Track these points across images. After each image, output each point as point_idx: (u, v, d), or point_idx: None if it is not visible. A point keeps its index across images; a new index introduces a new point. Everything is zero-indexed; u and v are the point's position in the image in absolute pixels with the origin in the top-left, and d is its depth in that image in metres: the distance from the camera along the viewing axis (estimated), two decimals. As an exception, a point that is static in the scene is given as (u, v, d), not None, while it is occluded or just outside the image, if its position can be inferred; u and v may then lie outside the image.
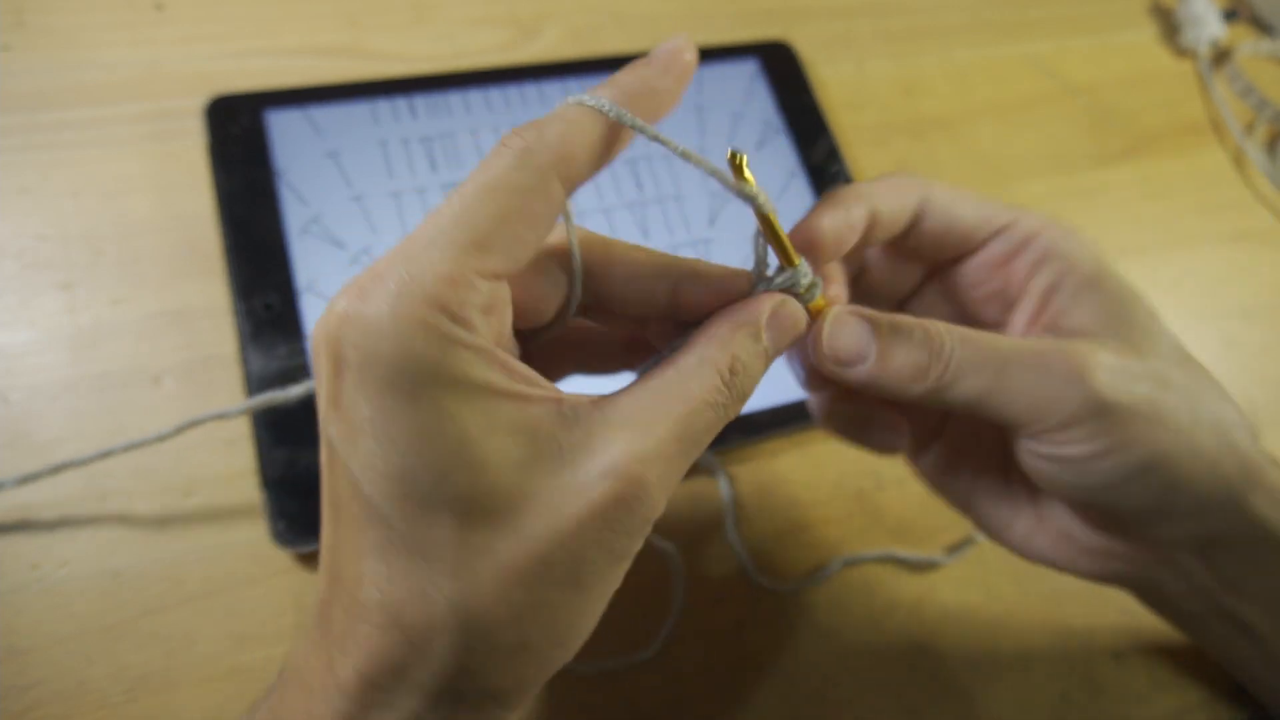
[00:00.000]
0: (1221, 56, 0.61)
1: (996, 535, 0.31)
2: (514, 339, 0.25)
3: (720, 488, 0.39)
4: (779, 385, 0.41)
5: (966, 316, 0.32)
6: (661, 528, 0.38)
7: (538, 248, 0.22)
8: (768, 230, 0.24)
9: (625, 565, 0.22)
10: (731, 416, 0.23)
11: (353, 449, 0.20)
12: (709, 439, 0.23)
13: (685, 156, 0.23)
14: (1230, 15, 0.60)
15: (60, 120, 0.40)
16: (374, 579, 0.20)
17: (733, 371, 0.23)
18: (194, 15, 0.44)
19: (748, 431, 0.40)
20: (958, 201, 0.29)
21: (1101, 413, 0.25)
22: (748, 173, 0.23)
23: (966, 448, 0.32)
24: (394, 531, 0.20)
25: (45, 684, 0.31)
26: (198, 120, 0.41)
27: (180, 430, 0.33)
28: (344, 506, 0.21)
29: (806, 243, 0.26)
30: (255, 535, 0.34)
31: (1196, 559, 0.29)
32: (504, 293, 0.22)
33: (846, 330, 0.26)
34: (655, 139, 0.23)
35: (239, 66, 0.43)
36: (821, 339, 0.26)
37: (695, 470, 0.39)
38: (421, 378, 0.19)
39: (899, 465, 0.42)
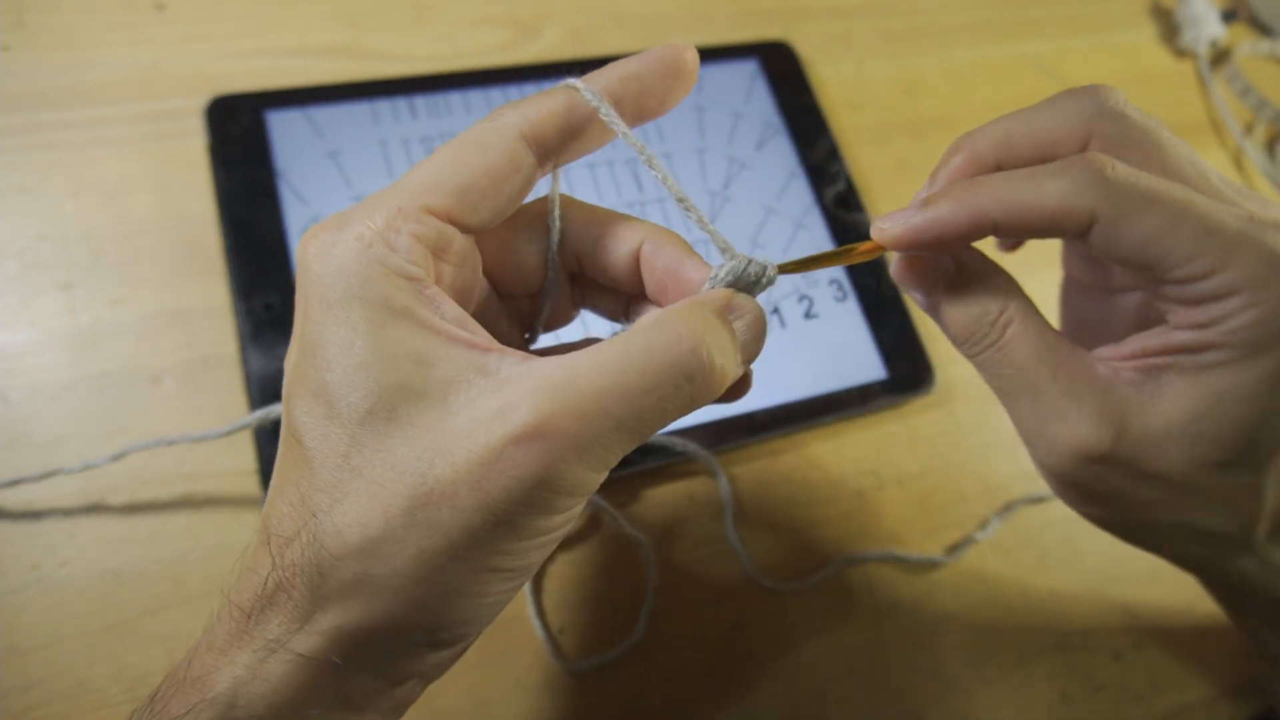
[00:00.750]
0: (1221, 57, 0.61)
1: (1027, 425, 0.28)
2: (499, 309, 0.26)
3: (720, 487, 0.39)
4: (779, 386, 0.41)
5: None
6: (661, 525, 0.38)
7: (501, 202, 0.22)
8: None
9: (520, 539, 0.20)
10: (699, 399, 0.21)
11: (290, 367, 0.21)
12: (660, 415, 0.21)
13: (648, 163, 0.24)
14: (1229, 16, 0.60)
15: (60, 120, 0.40)
16: (273, 491, 0.21)
17: (701, 343, 0.21)
18: (194, 15, 0.44)
19: (748, 431, 0.40)
20: (1139, 231, 0.23)
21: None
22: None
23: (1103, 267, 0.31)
24: (298, 441, 0.21)
25: (45, 684, 0.31)
26: (198, 120, 0.41)
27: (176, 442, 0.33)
28: (283, 434, 0.22)
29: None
30: (255, 535, 0.34)
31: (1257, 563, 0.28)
32: (467, 245, 0.23)
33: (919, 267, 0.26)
34: (625, 136, 0.23)
35: (239, 66, 0.43)
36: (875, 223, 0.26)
37: (695, 470, 0.39)
38: (349, 294, 0.20)
39: (899, 465, 0.42)
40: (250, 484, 0.35)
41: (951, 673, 0.38)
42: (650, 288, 0.25)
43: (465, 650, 0.24)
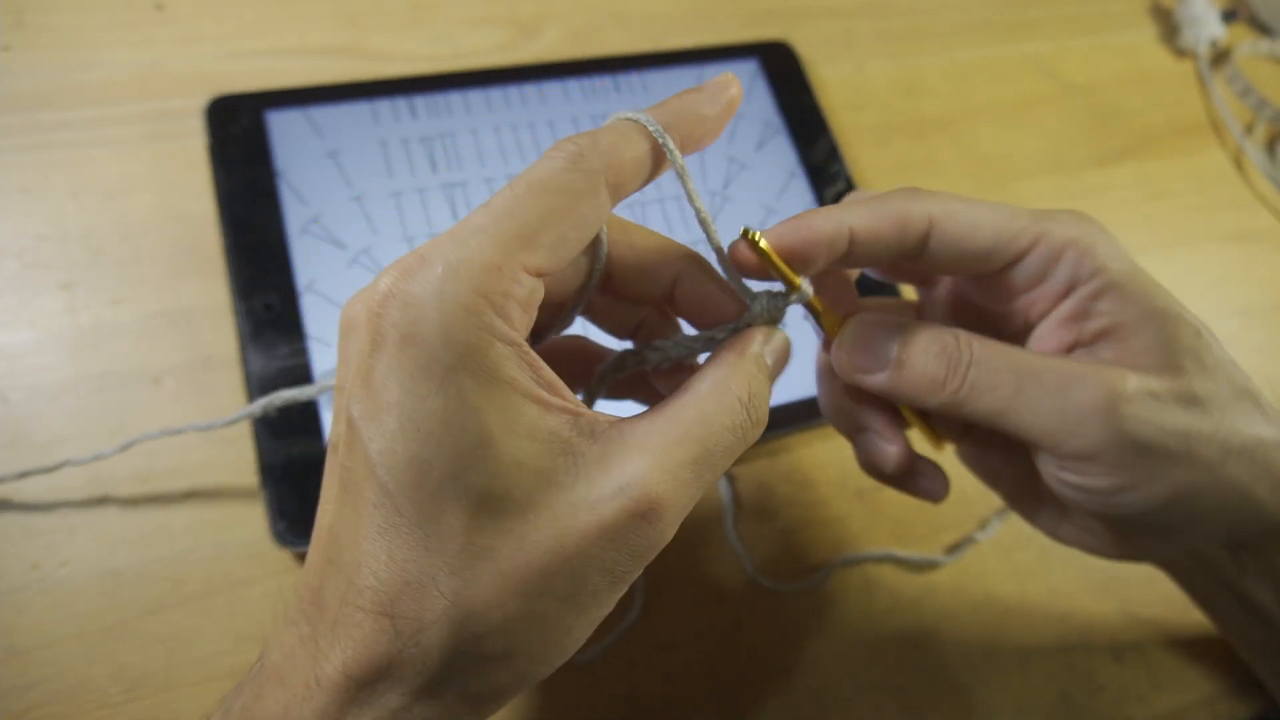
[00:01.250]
0: (1221, 57, 0.61)
1: (1026, 517, 0.31)
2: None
3: (720, 487, 0.39)
4: (779, 385, 0.41)
5: (989, 320, 0.30)
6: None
7: (579, 250, 0.23)
8: (767, 262, 0.25)
9: (622, 589, 0.22)
10: (750, 442, 0.23)
11: (375, 429, 0.20)
12: (726, 464, 0.23)
13: (698, 214, 0.25)
14: (1229, 15, 0.60)
15: (60, 120, 0.40)
16: (374, 564, 0.20)
17: (750, 395, 0.23)
18: (194, 15, 0.44)
19: (748, 431, 0.40)
20: (973, 226, 0.26)
21: (1125, 449, 0.24)
22: (761, 242, 0.25)
23: (992, 443, 0.32)
24: (402, 518, 0.20)
25: (45, 684, 0.31)
26: (198, 120, 0.41)
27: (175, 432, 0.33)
28: (355, 488, 0.21)
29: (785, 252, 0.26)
30: (255, 535, 0.34)
31: (1224, 553, 0.29)
32: (540, 292, 0.22)
33: (864, 339, 0.26)
34: (680, 171, 0.24)
35: (239, 66, 0.43)
36: (843, 350, 0.26)
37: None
38: (456, 364, 0.20)
39: (899, 465, 0.42)
40: (250, 484, 0.35)
41: (951, 673, 0.38)
42: (685, 309, 0.27)
43: None
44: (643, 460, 0.21)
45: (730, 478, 0.40)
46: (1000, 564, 0.41)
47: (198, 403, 0.36)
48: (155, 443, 0.34)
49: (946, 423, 0.32)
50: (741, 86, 0.25)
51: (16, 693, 0.30)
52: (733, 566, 0.38)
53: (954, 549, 0.41)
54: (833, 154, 0.48)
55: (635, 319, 0.28)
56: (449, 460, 0.20)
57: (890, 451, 0.29)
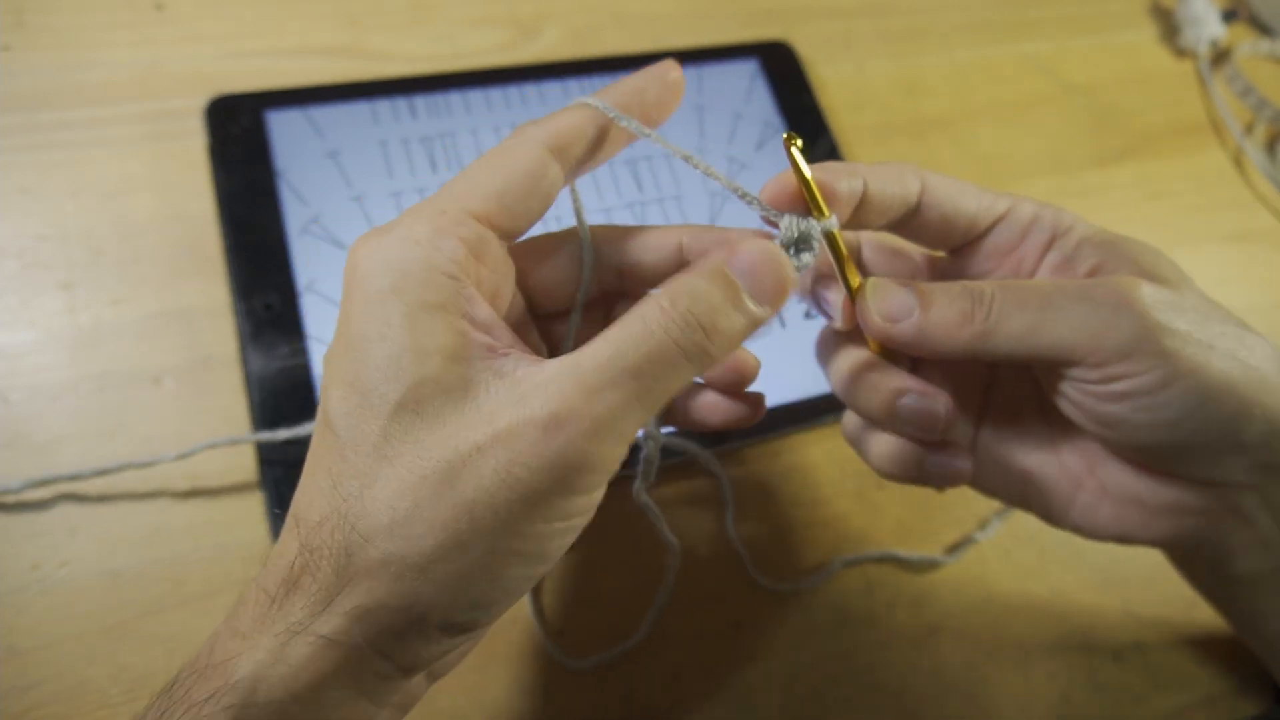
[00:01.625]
0: (1221, 57, 0.61)
1: (1059, 517, 0.30)
2: (529, 323, 0.27)
3: (722, 487, 0.39)
4: (779, 386, 0.41)
5: None
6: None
7: (532, 205, 0.24)
8: (799, 176, 0.25)
9: (543, 520, 0.21)
10: (697, 358, 0.22)
11: (329, 361, 0.22)
12: (661, 372, 0.21)
13: (689, 160, 0.25)
14: (1230, 15, 0.60)
15: (60, 120, 0.40)
16: (306, 483, 0.22)
17: (690, 299, 0.21)
18: (194, 15, 0.44)
19: (748, 432, 0.40)
20: (959, 191, 0.28)
21: (1158, 337, 0.24)
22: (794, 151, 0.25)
23: (1014, 425, 0.31)
24: (331, 430, 0.21)
25: (45, 684, 0.31)
26: (198, 120, 0.41)
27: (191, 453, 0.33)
28: (317, 423, 0.22)
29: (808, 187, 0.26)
30: (255, 535, 0.34)
31: (1259, 501, 0.28)
32: (502, 252, 0.24)
33: (889, 289, 0.26)
34: (645, 135, 0.25)
35: (239, 66, 0.43)
36: (867, 300, 0.26)
37: (695, 470, 0.39)
38: (389, 289, 0.22)
39: (899, 465, 0.42)
40: (250, 484, 0.35)
41: (951, 673, 0.38)
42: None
43: (472, 646, 0.24)
44: (550, 376, 0.21)
45: (731, 478, 0.40)
46: (1000, 564, 0.41)
47: (198, 403, 0.36)
48: (155, 443, 0.34)
49: (966, 399, 0.31)
50: (679, 68, 0.26)
51: (16, 693, 0.30)
52: (733, 566, 0.38)
53: (954, 549, 0.41)
54: (833, 154, 0.48)
55: None
56: (372, 373, 0.21)
57: (939, 413, 0.27)
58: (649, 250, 0.27)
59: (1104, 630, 0.40)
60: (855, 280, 0.27)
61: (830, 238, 0.25)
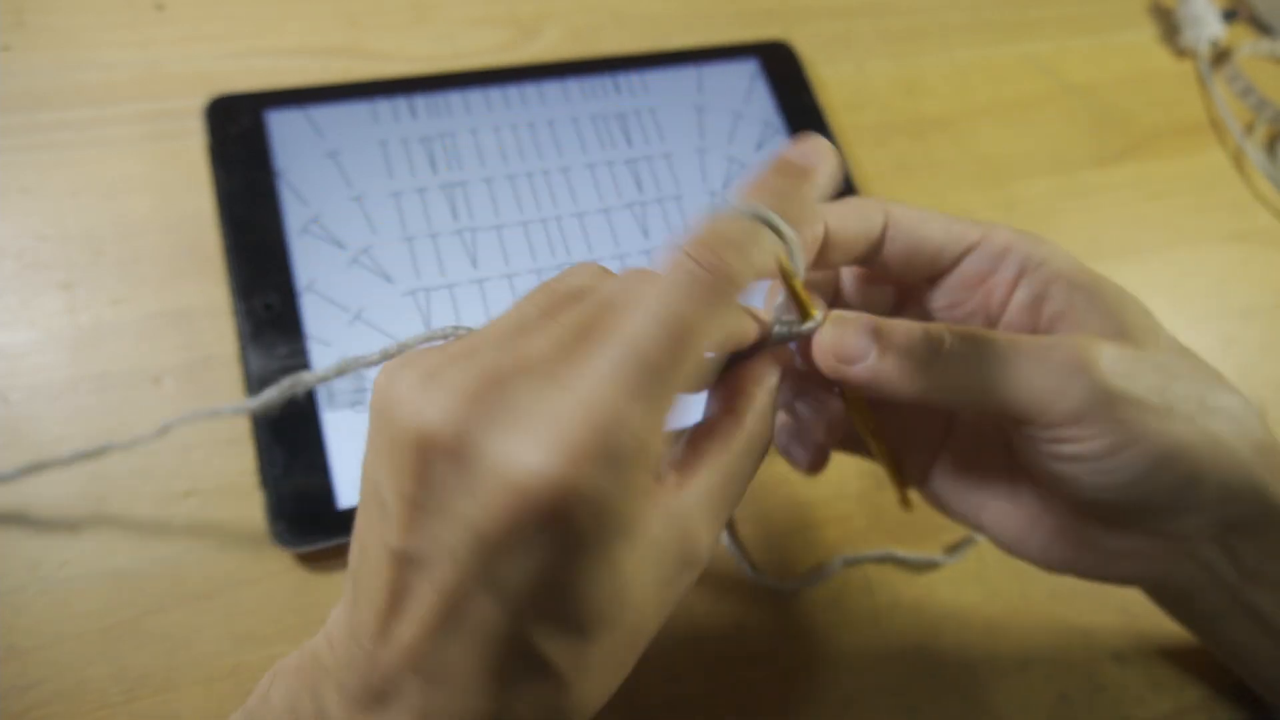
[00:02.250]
0: (1221, 56, 0.61)
1: (1014, 548, 0.30)
2: None
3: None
4: (779, 385, 0.41)
5: None
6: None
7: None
8: (790, 290, 0.26)
9: (667, 611, 0.23)
10: (761, 457, 0.24)
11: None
12: (746, 483, 0.24)
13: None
14: (1230, 15, 0.60)
15: (60, 120, 0.40)
16: None
17: (763, 434, 0.24)
18: (194, 15, 0.44)
19: (748, 431, 0.40)
20: (923, 221, 0.28)
21: (1111, 403, 0.24)
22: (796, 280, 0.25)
23: (972, 458, 0.31)
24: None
25: (45, 684, 0.31)
26: (198, 120, 0.41)
27: (170, 428, 0.33)
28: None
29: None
30: (255, 535, 0.34)
31: (1219, 550, 0.28)
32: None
33: (848, 329, 0.26)
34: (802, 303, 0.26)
35: (239, 66, 0.43)
36: (825, 339, 0.26)
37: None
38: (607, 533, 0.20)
39: (899, 465, 0.42)
40: (249, 484, 0.35)
41: (951, 673, 0.38)
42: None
43: None
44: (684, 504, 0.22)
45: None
46: (1000, 564, 0.41)
47: (198, 403, 0.36)
48: (155, 442, 0.34)
49: (923, 433, 0.31)
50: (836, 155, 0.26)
51: (16, 693, 0.30)
52: (733, 566, 0.38)
53: (954, 549, 0.41)
54: (833, 154, 0.48)
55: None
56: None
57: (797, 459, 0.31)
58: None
59: (1103, 631, 0.40)
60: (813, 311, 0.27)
61: (791, 286, 0.26)
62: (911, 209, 0.28)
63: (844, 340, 0.26)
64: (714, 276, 0.20)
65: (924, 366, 0.25)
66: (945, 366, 0.25)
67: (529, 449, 0.18)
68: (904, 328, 0.26)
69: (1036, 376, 0.25)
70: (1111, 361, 0.25)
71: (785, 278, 0.25)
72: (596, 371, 0.19)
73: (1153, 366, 0.25)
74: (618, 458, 0.18)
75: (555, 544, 0.18)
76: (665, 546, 0.21)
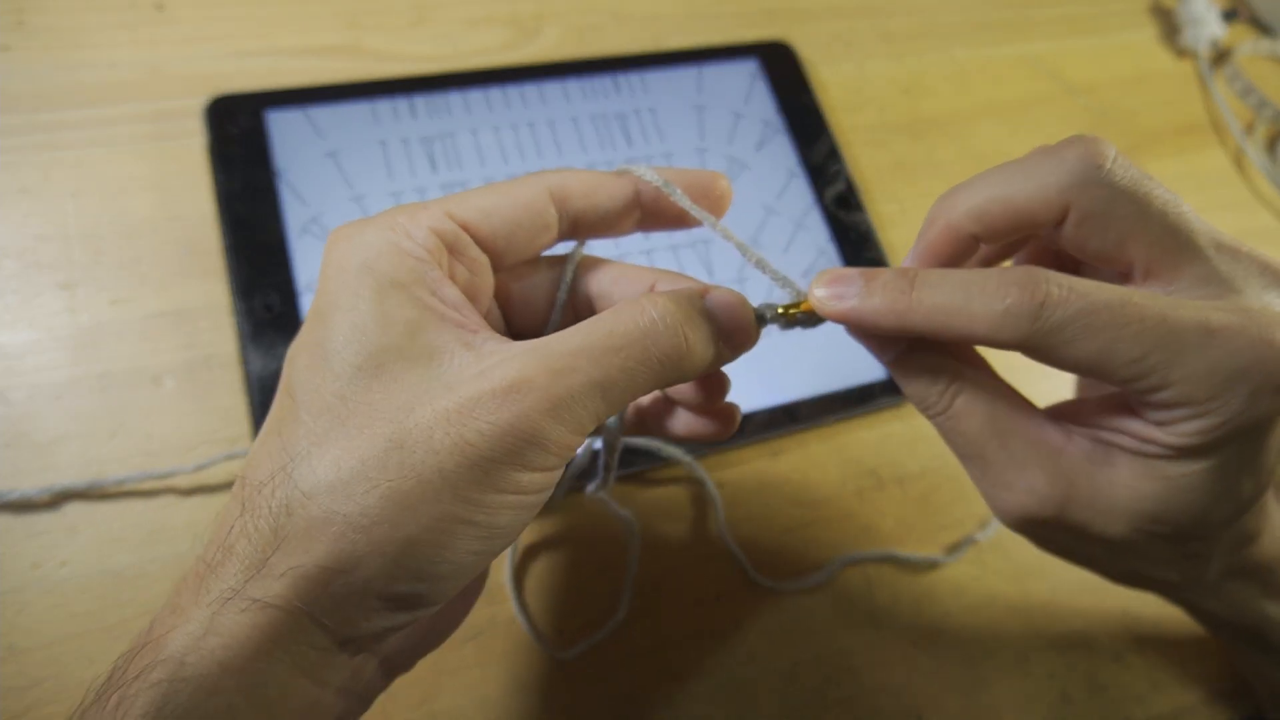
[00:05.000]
0: (1221, 56, 0.61)
1: (988, 494, 0.27)
2: (503, 329, 0.28)
3: (708, 491, 0.39)
4: (779, 386, 0.41)
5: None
6: (661, 525, 0.38)
7: (520, 238, 0.25)
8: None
9: (494, 490, 0.20)
10: (668, 360, 0.22)
11: (297, 338, 0.23)
12: (628, 370, 0.22)
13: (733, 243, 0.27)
14: (1230, 15, 0.60)
15: (60, 120, 0.40)
16: (254, 446, 0.22)
17: (669, 313, 0.22)
18: (194, 15, 0.44)
19: (749, 433, 0.40)
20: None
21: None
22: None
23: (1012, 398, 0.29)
24: (291, 399, 0.22)
25: (45, 684, 0.31)
26: (198, 120, 0.41)
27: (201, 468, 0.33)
28: (279, 392, 0.23)
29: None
30: (255, 535, 0.34)
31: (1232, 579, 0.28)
32: (483, 258, 0.25)
33: (841, 275, 0.25)
34: (674, 195, 0.26)
35: (239, 66, 0.43)
36: (824, 284, 0.25)
37: (688, 474, 0.39)
38: (361, 267, 0.22)
39: (899, 465, 0.42)
40: (250, 484, 0.35)
41: (951, 673, 0.38)
42: None
43: (431, 641, 0.25)
44: (514, 350, 0.21)
45: (729, 479, 0.40)
46: (1000, 564, 0.41)
47: (198, 403, 0.36)
48: (155, 442, 0.34)
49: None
50: (728, 183, 0.28)
51: (16, 693, 0.30)
52: (732, 566, 0.38)
53: (954, 549, 0.41)
54: (833, 154, 0.48)
55: None
56: (335, 339, 0.22)
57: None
58: (622, 285, 0.27)
59: (1104, 630, 0.40)
60: None
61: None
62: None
63: (838, 281, 0.25)
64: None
65: (901, 295, 0.24)
66: (920, 295, 0.24)
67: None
68: (885, 269, 0.25)
69: (978, 302, 0.23)
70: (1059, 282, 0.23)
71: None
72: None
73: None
74: (378, 213, 0.24)
75: (321, 270, 0.23)
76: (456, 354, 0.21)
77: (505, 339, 0.23)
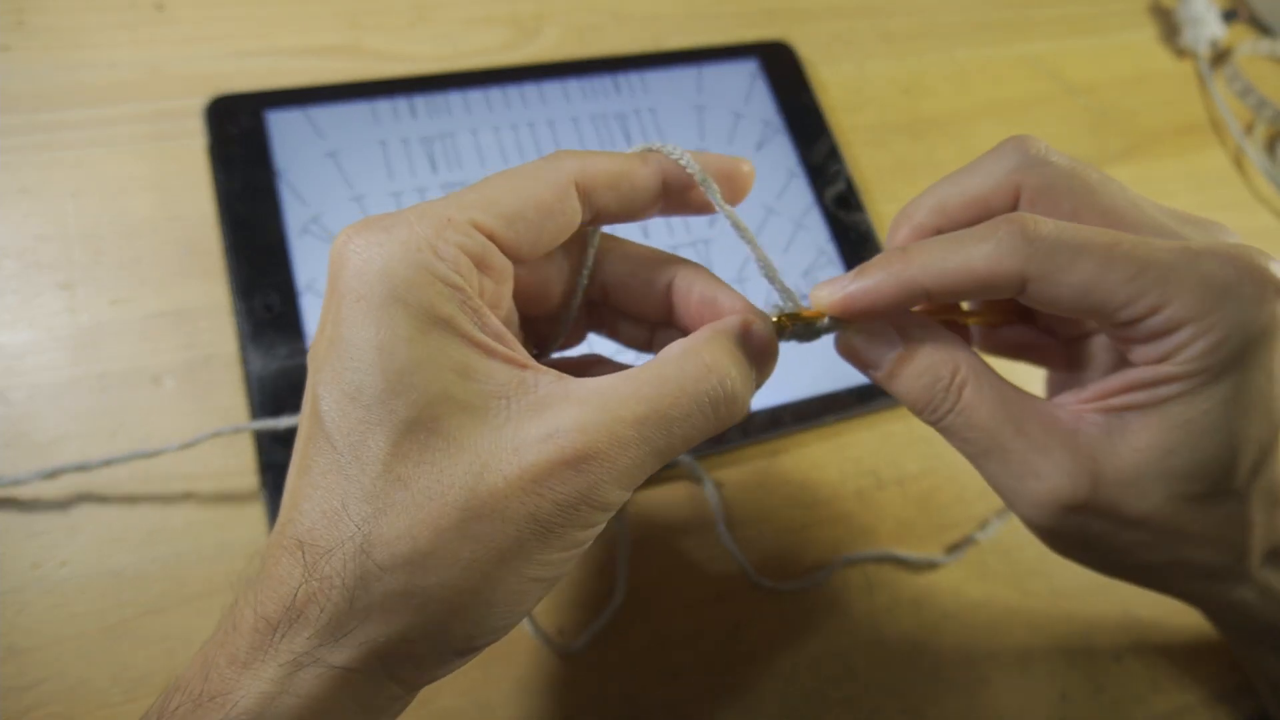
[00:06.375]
0: (1221, 56, 0.61)
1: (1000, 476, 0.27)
2: (518, 326, 0.26)
3: (706, 491, 0.39)
4: (779, 386, 0.41)
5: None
6: (661, 525, 0.38)
7: (543, 237, 0.23)
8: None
9: (559, 549, 0.21)
10: (722, 419, 0.23)
11: (320, 364, 0.21)
12: (688, 434, 0.22)
13: (743, 237, 0.26)
14: (1230, 15, 0.60)
15: (60, 120, 0.40)
16: (299, 498, 0.20)
17: (723, 367, 0.23)
18: (194, 15, 0.44)
19: (748, 432, 0.40)
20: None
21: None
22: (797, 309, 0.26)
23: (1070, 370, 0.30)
24: (332, 447, 0.20)
25: (45, 684, 0.31)
26: (198, 120, 0.41)
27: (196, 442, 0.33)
28: (303, 427, 0.21)
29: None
30: (255, 535, 0.34)
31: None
32: (497, 259, 0.23)
33: (836, 278, 0.26)
34: (707, 189, 0.25)
35: (239, 66, 0.43)
36: (823, 288, 0.26)
37: (688, 473, 0.39)
38: (392, 297, 0.20)
39: (899, 465, 0.42)
40: (250, 484, 0.35)
41: (951, 673, 0.38)
42: (684, 318, 0.26)
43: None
44: (579, 410, 0.21)
45: (728, 479, 0.40)
46: (1000, 564, 0.41)
47: (198, 403, 0.36)
48: (155, 442, 0.34)
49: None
50: (753, 169, 0.27)
51: (16, 693, 0.30)
52: (733, 566, 0.38)
53: (954, 549, 0.41)
54: (833, 154, 0.48)
55: (649, 333, 0.28)
56: (378, 386, 0.20)
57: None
58: (641, 275, 0.26)
59: (1104, 630, 0.40)
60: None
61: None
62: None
63: (835, 280, 0.26)
64: (544, 154, 0.24)
65: (897, 262, 0.24)
66: (914, 257, 0.24)
67: (342, 230, 0.21)
68: (872, 259, 0.26)
69: (972, 245, 0.24)
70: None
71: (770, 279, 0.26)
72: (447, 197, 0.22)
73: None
74: (394, 223, 0.21)
75: (328, 286, 0.21)
76: (511, 393, 0.21)
77: (557, 375, 0.22)
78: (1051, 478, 0.24)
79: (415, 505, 0.20)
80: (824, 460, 0.41)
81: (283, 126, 0.41)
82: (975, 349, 0.27)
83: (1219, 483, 0.24)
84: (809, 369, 0.42)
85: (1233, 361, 0.22)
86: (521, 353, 0.22)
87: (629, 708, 0.35)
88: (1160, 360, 0.23)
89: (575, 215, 0.24)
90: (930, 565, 0.40)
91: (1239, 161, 0.57)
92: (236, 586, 0.22)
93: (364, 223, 0.21)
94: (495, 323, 0.22)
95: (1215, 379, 0.23)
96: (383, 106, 0.43)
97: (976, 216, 0.26)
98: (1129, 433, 0.24)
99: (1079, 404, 0.25)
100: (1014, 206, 0.25)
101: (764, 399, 0.41)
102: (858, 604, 0.39)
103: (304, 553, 0.20)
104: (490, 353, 0.21)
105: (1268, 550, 0.27)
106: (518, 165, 0.23)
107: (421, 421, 0.20)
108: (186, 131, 0.41)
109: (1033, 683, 0.38)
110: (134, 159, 0.40)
